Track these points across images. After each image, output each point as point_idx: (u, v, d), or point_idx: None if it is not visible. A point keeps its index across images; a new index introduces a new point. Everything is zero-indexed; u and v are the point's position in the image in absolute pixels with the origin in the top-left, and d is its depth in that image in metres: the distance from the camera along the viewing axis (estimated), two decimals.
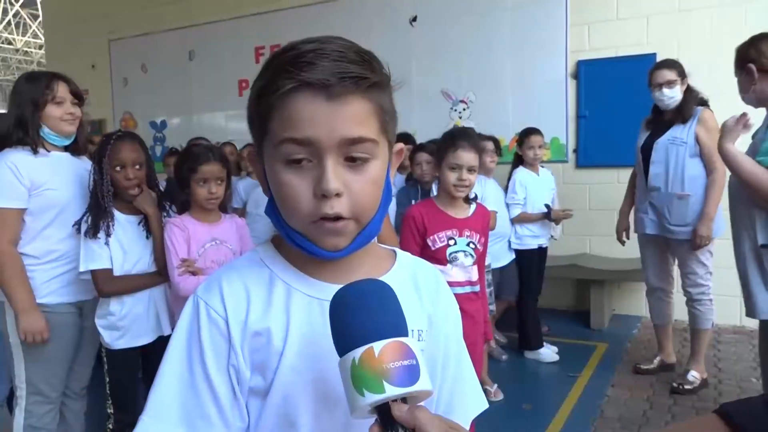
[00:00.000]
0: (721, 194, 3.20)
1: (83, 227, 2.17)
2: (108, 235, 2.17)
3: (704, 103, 3.33)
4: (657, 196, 3.33)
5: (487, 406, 0.90)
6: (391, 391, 0.58)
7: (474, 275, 2.33)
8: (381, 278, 0.78)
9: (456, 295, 2.33)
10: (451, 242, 2.27)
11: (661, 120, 3.39)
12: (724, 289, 4.32)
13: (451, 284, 2.23)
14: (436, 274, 0.89)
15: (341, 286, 0.70)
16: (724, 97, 4.37)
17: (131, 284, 2.24)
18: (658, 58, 4.41)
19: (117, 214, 2.22)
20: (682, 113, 3.27)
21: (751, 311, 2.39)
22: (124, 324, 2.24)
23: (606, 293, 4.65)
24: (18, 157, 2.13)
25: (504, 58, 5.24)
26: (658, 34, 4.69)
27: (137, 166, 2.23)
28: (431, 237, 2.27)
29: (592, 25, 4.94)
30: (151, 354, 2.28)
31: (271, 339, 0.73)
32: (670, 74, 3.32)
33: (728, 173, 2.73)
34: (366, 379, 0.59)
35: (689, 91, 3.31)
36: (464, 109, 5.47)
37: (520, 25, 5.16)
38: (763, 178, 2.18)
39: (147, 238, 2.29)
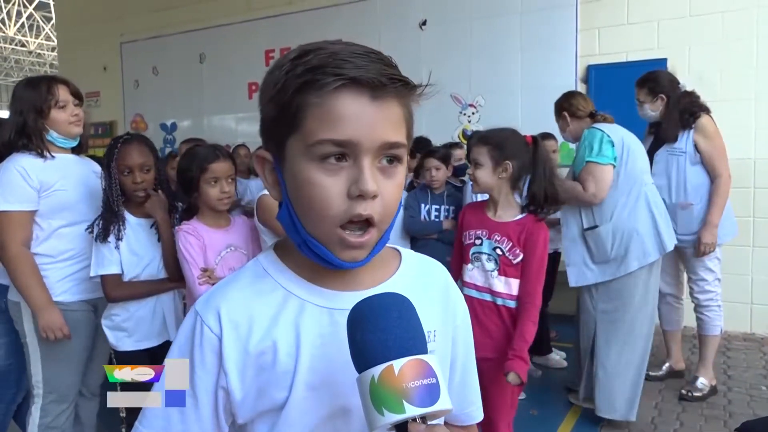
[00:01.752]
0: (725, 200, 3.18)
1: (95, 231, 2.17)
2: (119, 239, 2.17)
3: (702, 109, 3.25)
4: None
5: (482, 418, 0.89)
6: (411, 411, 0.57)
7: (499, 286, 2.15)
8: (389, 279, 0.78)
9: (472, 299, 2.16)
10: (478, 242, 2.21)
11: (660, 129, 3.38)
12: (734, 295, 4.30)
13: (467, 285, 2.19)
14: (443, 270, 0.87)
15: (350, 292, 0.69)
16: (736, 101, 4.38)
17: (140, 290, 2.22)
18: (669, 63, 4.42)
19: (129, 216, 2.22)
20: (666, 133, 3.26)
21: (578, 279, 3.02)
22: (128, 326, 2.22)
23: None
24: (26, 160, 2.16)
25: (514, 63, 5.24)
26: (668, 38, 4.67)
27: (145, 170, 2.22)
28: (465, 233, 2.26)
29: (603, 29, 4.92)
30: (160, 358, 2.25)
31: (278, 355, 0.71)
32: (638, 93, 3.38)
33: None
34: (386, 398, 0.58)
35: (669, 107, 3.27)
36: (473, 113, 5.46)
37: (530, 29, 5.16)
38: (574, 191, 2.94)
39: (159, 240, 2.28)
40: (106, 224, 2.16)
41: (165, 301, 2.28)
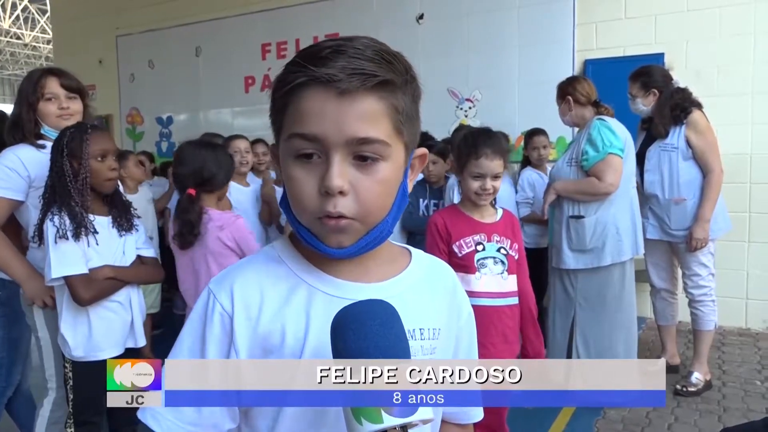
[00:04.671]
0: (717, 195, 3.18)
1: (51, 231, 1.91)
2: (88, 238, 1.96)
3: (694, 104, 3.25)
4: (656, 202, 3.33)
5: (482, 417, 0.89)
6: (389, 421, 0.57)
7: (508, 286, 2.14)
8: (398, 276, 0.79)
9: (487, 308, 2.11)
10: (479, 247, 2.11)
11: (651, 125, 3.38)
12: (729, 290, 4.32)
13: (479, 295, 2.10)
14: (451, 272, 0.88)
15: (359, 284, 0.71)
16: (733, 97, 4.38)
17: (113, 283, 2.04)
18: (666, 58, 4.41)
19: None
20: (657, 128, 3.26)
21: (557, 262, 3.16)
22: (105, 333, 2.05)
23: None
24: (24, 151, 2.14)
25: (511, 57, 5.23)
26: (666, 33, 4.66)
27: (114, 158, 2.07)
28: (457, 243, 2.11)
29: (600, 24, 4.92)
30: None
31: (285, 338, 0.72)
32: (631, 88, 3.37)
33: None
34: (364, 407, 0.58)
35: (660, 101, 3.26)
36: (470, 108, 5.46)
37: (528, 23, 5.15)
38: (585, 186, 3.03)
39: (120, 236, 2.10)
40: (77, 221, 1.93)
41: (135, 305, 2.15)
